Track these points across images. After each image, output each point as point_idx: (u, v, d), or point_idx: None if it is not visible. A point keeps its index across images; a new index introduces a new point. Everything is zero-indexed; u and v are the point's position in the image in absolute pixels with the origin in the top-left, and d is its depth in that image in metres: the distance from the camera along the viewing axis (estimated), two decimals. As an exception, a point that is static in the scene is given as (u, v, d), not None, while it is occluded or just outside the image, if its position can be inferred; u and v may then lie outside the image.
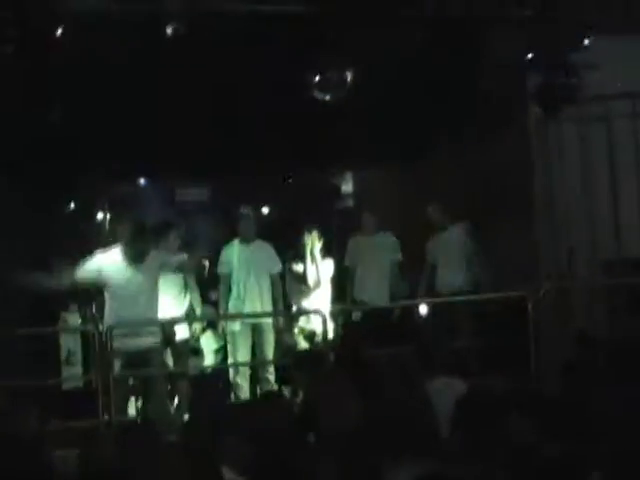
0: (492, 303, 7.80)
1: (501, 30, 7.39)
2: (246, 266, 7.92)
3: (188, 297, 8.01)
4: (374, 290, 8.41)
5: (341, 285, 8.77)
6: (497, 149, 8.52)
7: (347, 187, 12.47)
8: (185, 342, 7.98)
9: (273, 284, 8.01)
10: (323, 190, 11.72)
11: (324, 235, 8.60)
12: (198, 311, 8.12)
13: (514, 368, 6.73)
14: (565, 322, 7.79)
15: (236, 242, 8.06)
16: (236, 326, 7.89)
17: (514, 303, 7.49)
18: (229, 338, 8.00)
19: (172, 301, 7.70)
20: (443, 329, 7.90)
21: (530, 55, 7.58)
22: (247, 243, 8.01)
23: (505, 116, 8.15)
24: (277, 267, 8.09)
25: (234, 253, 8.00)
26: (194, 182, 11.88)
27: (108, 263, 6.73)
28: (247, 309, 7.88)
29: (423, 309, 8.41)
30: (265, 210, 11.38)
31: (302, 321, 8.33)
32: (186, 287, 8.03)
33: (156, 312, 6.98)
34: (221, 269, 8.01)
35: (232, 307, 7.94)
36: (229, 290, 7.95)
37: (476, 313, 8.08)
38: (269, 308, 8.00)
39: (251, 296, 7.89)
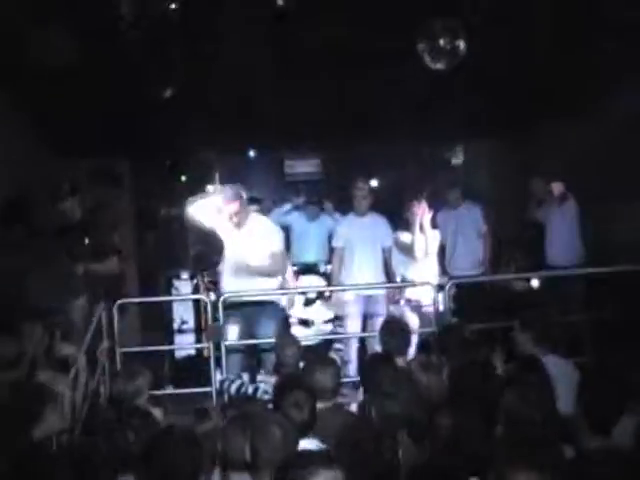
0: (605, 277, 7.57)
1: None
2: (361, 239, 7.91)
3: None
4: (460, 262, 8.41)
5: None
6: (614, 118, 8.23)
7: (457, 159, 12.30)
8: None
9: (386, 257, 8.01)
10: (433, 161, 11.59)
11: (433, 206, 8.49)
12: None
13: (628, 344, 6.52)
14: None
15: (351, 215, 8.08)
16: (350, 297, 7.92)
17: (628, 278, 7.24)
18: (342, 309, 8.04)
19: None
20: (555, 303, 7.69)
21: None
22: (362, 216, 8.01)
23: (624, 83, 7.85)
24: (390, 240, 8.07)
25: (350, 226, 8.01)
26: (304, 153, 11.92)
27: None
28: (361, 282, 7.87)
29: (535, 282, 8.23)
30: (374, 182, 11.31)
31: (408, 292, 8.24)
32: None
33: None
34: (336, 242, 8.03)
35: (346, 279, 7.95)
36: (342, 262, 7.98)
37: (589, 287, 7.87)
38: (381, 280, 7.98)
39: (366, 269, 7.88)
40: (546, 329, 5.10)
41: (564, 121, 8.95)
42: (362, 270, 7.87)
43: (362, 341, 7.95)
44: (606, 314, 7.30)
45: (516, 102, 8.72)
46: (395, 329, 5.89)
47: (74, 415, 5.43)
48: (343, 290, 7.92)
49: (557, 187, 8.11)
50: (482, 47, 7.25)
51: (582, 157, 8.63)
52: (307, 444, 3.89)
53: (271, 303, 7.23)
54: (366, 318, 7.92)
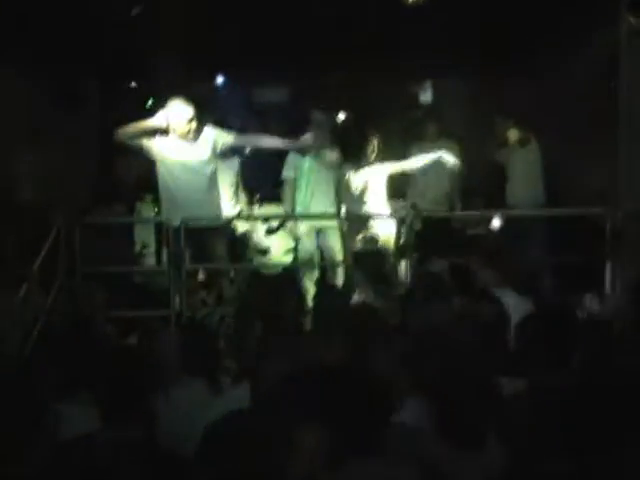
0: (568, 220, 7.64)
1: None
2: (316, 171, 7.89)
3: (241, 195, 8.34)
4: (431, 196, 8.38)
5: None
6: (583, 61, 8.22)
7: (425, 96, 12.20)
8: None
9: (338, 190, 8.04)
10: (400, 98, 11.50)
11: (394, 142, 8.48)
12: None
13: (587, 286, 6.62)
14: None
15: None
16: (303, 228, 7.95)
17: (591, 221, 7.32)
18: (298, 240, 8.11)
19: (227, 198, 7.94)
20: (514, 243, 7.76)
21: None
22: (317, 149, 7.95)
23: (593, 25, 7.80)
24: (343, 174, 8.11)
25: (303, 157, 7.94)
26: (272, 82, 11.74)
27: None
28: (313, 212, 7.92)
29: (496, 222, 8.29)
30: (341, 116, 11.23)
31: (364, 225, 8.25)
32: (238, 185, 8.34)
33: None
34: (288, 172, 7.98)
35: (299, 210, 7.98)
36: (294, 193, 7.96)
37: (550, 229, 7.95)
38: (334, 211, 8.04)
39: (318, 200, 7.91)
40: (503, 264, 5.17)
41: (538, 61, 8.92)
42: (314, 202, 7.89)
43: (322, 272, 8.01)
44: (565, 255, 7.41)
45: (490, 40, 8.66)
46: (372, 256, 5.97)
47: (24, 333, 5.40)
48: (300, 219, 7.94)
49: (514, 133, 8.11)
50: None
51: (551, 99, 8.62)
52: None
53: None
54: (322, 250, 8.00)
